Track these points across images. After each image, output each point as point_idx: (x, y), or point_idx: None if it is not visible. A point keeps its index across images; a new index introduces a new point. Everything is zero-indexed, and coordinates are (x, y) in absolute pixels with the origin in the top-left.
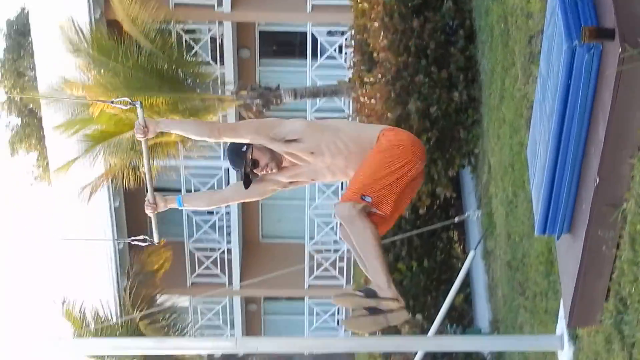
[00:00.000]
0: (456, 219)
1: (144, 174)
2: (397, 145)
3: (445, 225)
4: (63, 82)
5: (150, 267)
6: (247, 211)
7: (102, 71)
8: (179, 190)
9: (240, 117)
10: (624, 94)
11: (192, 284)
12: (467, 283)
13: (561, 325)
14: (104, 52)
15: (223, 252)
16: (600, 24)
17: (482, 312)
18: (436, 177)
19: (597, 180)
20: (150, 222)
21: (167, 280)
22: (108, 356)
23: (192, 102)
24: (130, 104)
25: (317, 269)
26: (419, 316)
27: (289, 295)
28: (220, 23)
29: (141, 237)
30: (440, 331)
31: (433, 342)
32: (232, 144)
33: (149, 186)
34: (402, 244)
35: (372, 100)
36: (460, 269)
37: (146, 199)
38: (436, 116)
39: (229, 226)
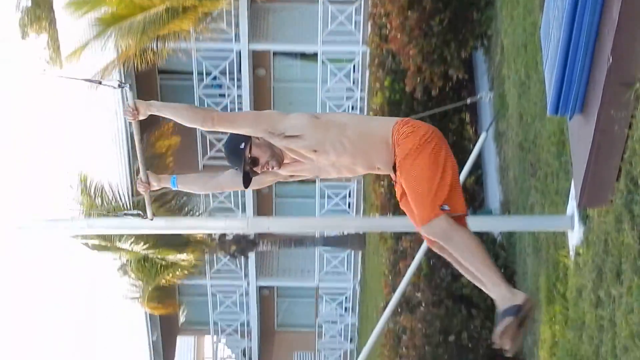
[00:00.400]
0: (468, 101)
1: (136, 145)
2: (425, 142)
3: (458, 106)
4: None
5: (160, 151)
6: (259, 94)
7: None
8: (190, 73)
9: None
10: None
11: (203, 166)
12: (478, 165)
13: (572, 206)
14: None
15: None
16: None
17: (493, 194)
18: (449, 59)
19: (610, 60)
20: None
21: (179, 163)
22: (119, 238)
23: None
24: (119, 85)
25: None
26: None
27: None
28: None
29: (135, 212)
30: None
31: None
32: (229, 141)
33: (141, 166)
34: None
35: None
36: (472, 150)
37: (138, 177)
38: None
39: (240, 108)
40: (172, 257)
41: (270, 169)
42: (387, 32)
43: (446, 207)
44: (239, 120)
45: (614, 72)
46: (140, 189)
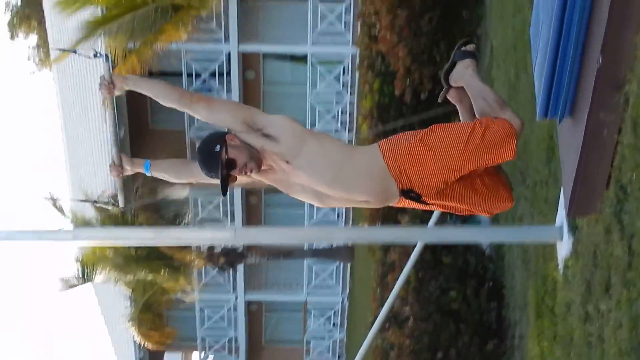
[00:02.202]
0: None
1: (111, 129)
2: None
3: (447, 111)
4: None
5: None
6: (249, 97)
7: None
8: (179, 75)
9: None
10: None
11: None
12: None
13: (561, 216)
14: None
15: None
16: None
17: None
18: (438, 60)
19: (600, 61)
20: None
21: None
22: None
23: None
24: (95, 55)
25: None
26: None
27: None
28: None
29: (106, 200)
30: (440, 222)
31: (432, 233)
32: (202, 146)
33: (114, 147)
34: (403, 130)
35: None
36: None
37: (111, 159)
38: None
39: None
40: (161, 279)
41: (249, 172)
42: (377, 32)
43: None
44: (216, 103)
45: (603, 74)
46: (113, 173)
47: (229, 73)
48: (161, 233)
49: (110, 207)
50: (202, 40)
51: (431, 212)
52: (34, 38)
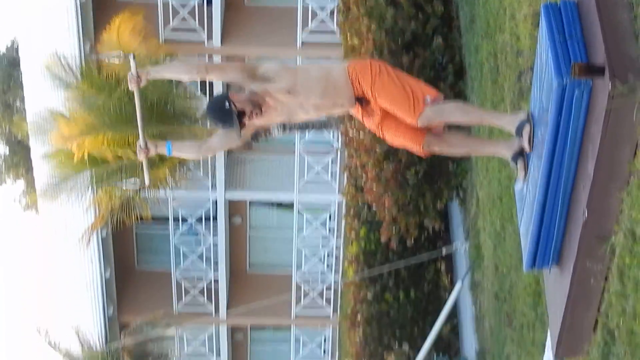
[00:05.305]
0: (443, 251)
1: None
2: (378, 63)
3: (433, 256)
4: (52, 116)
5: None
6: (235, 241)
7: (92, 106)
8: (166, 219)
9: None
10: (612, 129)
11: (178, 313)
12: (454, 314)
13: (548, 357)
14: (94, 86)
15: (210, 282)
16: (590, 61)
17: (469, 343)
18: (424, 210)
19: (586, 214)
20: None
21: (154, 309)
22: None
23: (181, 135)
24: (124, 56)
25: (304, 298)
26: (405, 346)
27: (275, 324)
28: (210, 56)
29: (132, 179)
30: None
31: None
32: (213, 107)
33: (140, 132)
34: (390, 275)
35: (361, 134)
36: (447, 300)
37: (137, 143)
38: None
39: (216, 256)
40: None
41: (255, 117)
42: (363, 183)
43: (427, 98)
44: (227, 68)
45: (589, 226)
46: (140, 156)
47: (215, 218)
48: None
49: (136, 187)
50: (190, 187)
51: (418, 351)
52: (21, 183)
